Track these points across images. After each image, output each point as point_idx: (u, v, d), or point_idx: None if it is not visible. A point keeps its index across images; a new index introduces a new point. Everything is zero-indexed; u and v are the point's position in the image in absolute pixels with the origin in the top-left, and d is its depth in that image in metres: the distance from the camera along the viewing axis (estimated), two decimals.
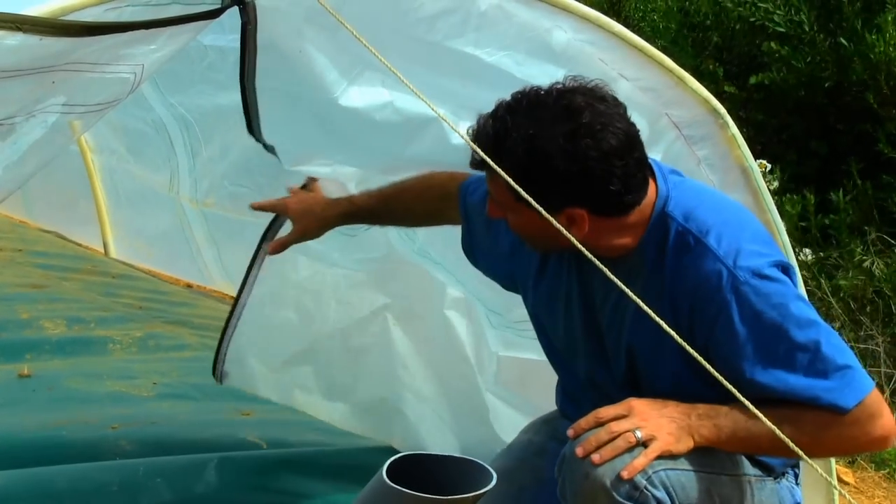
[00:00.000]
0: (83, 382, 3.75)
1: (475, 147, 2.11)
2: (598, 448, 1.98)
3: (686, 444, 2.01)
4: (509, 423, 3.05)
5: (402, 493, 2.07)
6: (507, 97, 2.12)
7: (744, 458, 2.15)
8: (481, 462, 2.19)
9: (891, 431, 2.02)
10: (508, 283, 2.59)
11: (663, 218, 2.13)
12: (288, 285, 3.28)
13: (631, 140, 2.08)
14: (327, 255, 3.23)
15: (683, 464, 2.02)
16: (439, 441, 3.14)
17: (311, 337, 3.30)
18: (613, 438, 1.98)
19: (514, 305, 3.04)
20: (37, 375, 3.76)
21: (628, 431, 1.98)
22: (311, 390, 3.36)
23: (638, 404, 2.02)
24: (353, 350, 3.28)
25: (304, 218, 2.78)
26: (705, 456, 2.05)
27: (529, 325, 2.57)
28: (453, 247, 2.91)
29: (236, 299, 3.28)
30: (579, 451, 1.99)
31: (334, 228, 2.84)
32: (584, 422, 2.02)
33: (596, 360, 2.31)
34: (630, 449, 1.98)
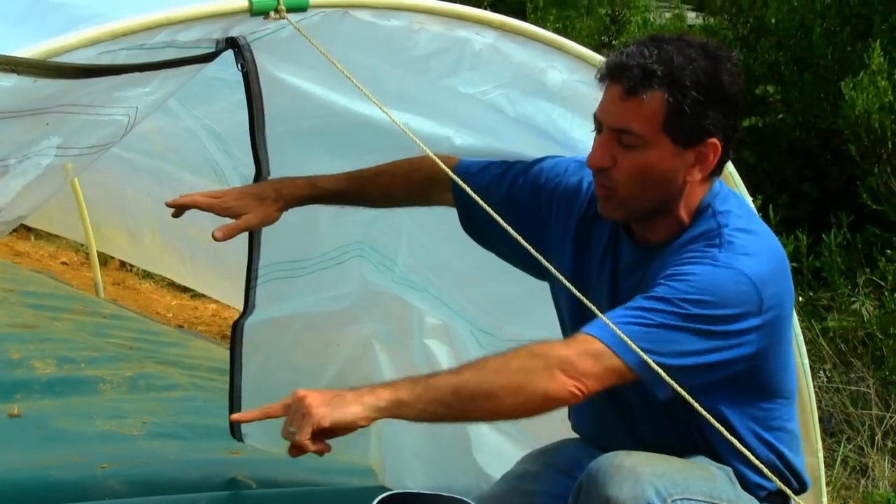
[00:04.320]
0: (73, 422, 3.74)
1: (453, 175, 2.09)
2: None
3: (351, 409, 1.97)
4: (492, 454, 3.03)
5: None
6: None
7: (742, 489, 2.15)
8: (468, 501, 2.19)
9: (567, 386, 1.99)
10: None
11: (713, 217, 2.20)
12: (275, 351, 3.23)
13: None
14: (304, 301, 3.20)
15: (697, 494, 2.02)
16: (421, 473, 3.12)
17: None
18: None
19: (505, 323, 3.03)
20: (27, 415, 3.75)
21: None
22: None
23: (306, 394, 2.00)
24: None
25: (260, 205, 2.49)
26: (715, 488, 2.06)
27: (522, 343, 2.48)
28: (437, 271, 2.90)
29: (231, 382, 3.22)
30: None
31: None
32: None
33: None
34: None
